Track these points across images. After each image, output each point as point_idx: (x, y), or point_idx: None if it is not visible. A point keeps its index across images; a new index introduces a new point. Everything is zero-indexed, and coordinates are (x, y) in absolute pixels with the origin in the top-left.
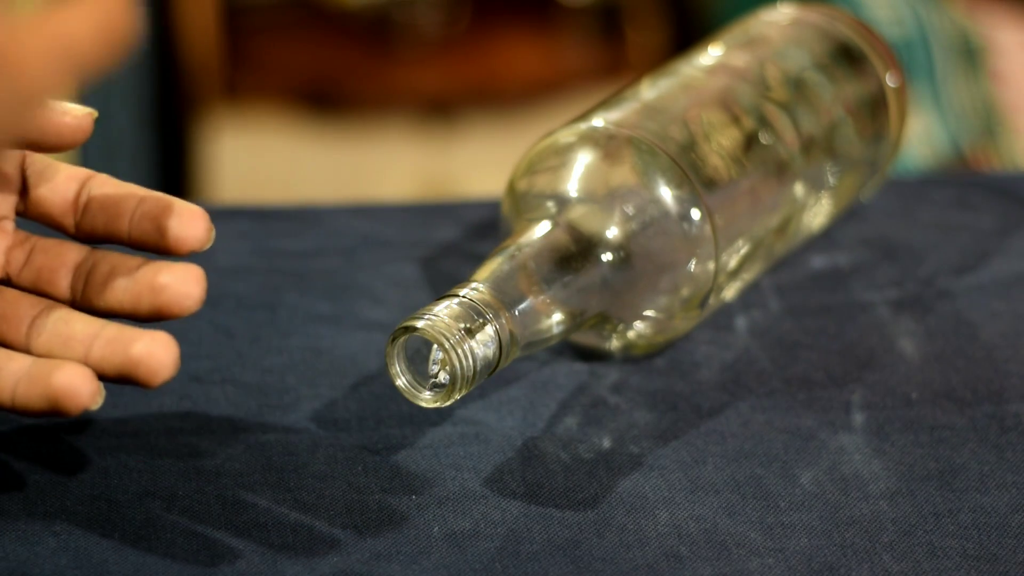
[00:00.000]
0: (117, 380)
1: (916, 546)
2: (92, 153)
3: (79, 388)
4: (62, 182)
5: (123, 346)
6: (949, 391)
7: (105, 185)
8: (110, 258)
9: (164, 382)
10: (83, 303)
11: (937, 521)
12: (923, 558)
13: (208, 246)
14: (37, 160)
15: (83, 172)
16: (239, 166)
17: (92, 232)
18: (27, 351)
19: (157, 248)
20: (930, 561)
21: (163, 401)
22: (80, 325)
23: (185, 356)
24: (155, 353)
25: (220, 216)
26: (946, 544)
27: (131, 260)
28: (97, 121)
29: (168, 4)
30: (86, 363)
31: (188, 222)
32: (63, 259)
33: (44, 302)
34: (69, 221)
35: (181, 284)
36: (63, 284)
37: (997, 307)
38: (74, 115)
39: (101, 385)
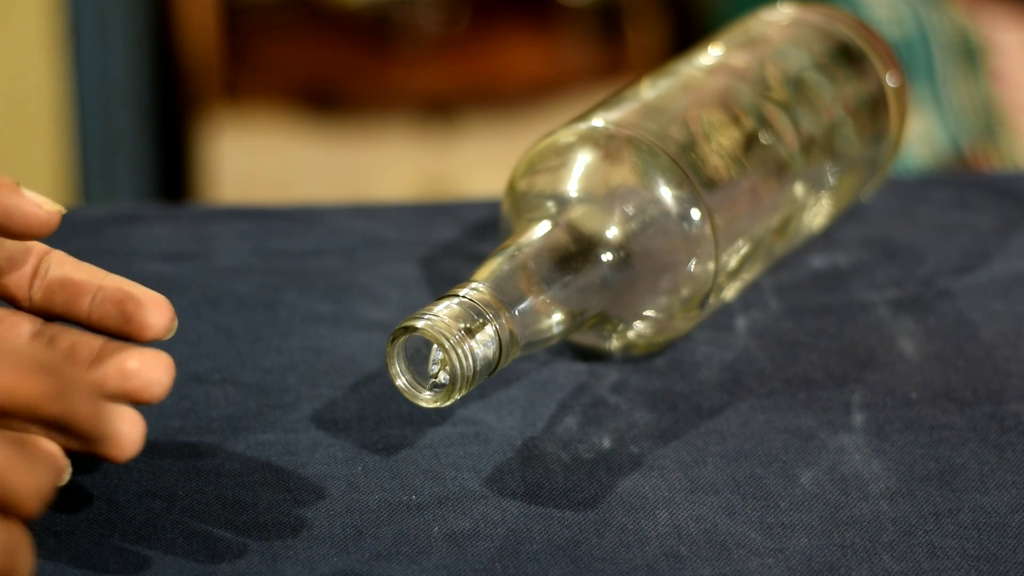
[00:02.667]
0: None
1: (916, 546)
2: (92, 153)
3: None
4: (19, 254)
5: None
6: (949, 391)
7: (64, 263)
8: (68, 334)
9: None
10: None
11: (937, 521)
12: (923, 558)
13: (171, 335)
14: None
15: (40, 246)
16: (239, 166)
17: (48, 309)
18: None
19: (118, 333)
20: (930, 561)
21: (163, 401)
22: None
23: (185, 356)
24: (125, 423)
25: (220, 216)
26: (946, 544)
27: (91, 338)
28: (97, 121)
29: (168, 4)
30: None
31: (154, 311)
32: (16, 330)
33: (38, 323)
34: (24, 295)
35: (151, 370)
36: None
37: (997, 307)
38: (47, 209)
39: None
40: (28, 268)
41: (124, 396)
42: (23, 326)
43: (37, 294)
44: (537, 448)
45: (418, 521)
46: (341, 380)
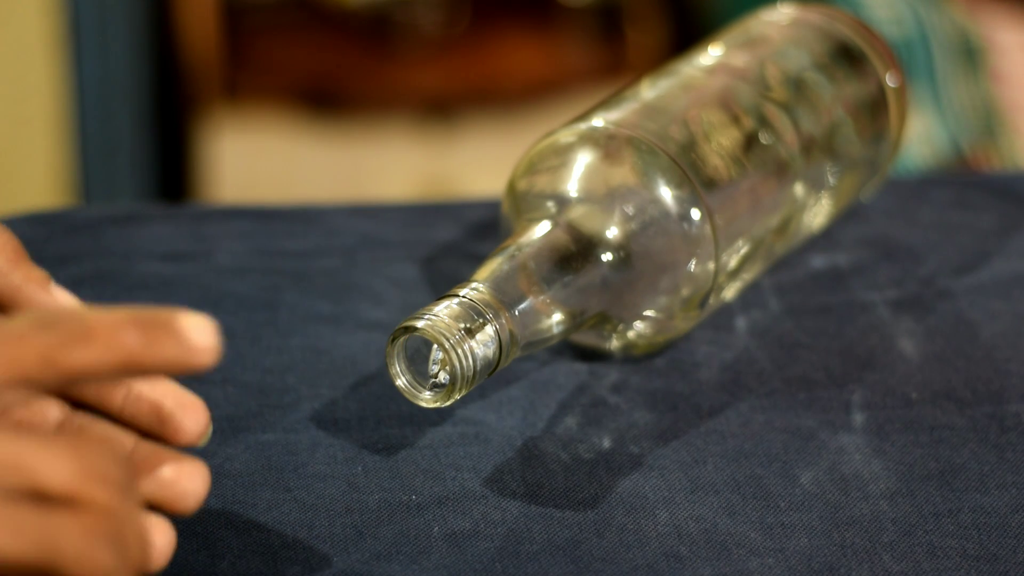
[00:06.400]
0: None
1: (916, 546)
2: (92, 153)
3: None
4: None
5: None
6: (949, 391)
7: None
8: (98, 427)
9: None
10: None
11: (937, 521)
12: (923, 558)
13: (205, 442)
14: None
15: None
16: (239, 166)
17: (79, 396)
18: None
19: (151, 433)
20: (930, 561)
21: None
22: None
23: None
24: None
25: (220, 216)
26: (946, 544)
27: (123, 435)
28: (97, 121)
29: (168, 4)
30: None
31: (190, 415)
32: (43, 416)
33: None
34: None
35: (187, 481)
36: None
37: (997, 307)
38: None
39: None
40: None
41: (155, 504)
42: (50, 411)
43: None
44: (537, 448)
45: (418, 521)
46: (341, 380)
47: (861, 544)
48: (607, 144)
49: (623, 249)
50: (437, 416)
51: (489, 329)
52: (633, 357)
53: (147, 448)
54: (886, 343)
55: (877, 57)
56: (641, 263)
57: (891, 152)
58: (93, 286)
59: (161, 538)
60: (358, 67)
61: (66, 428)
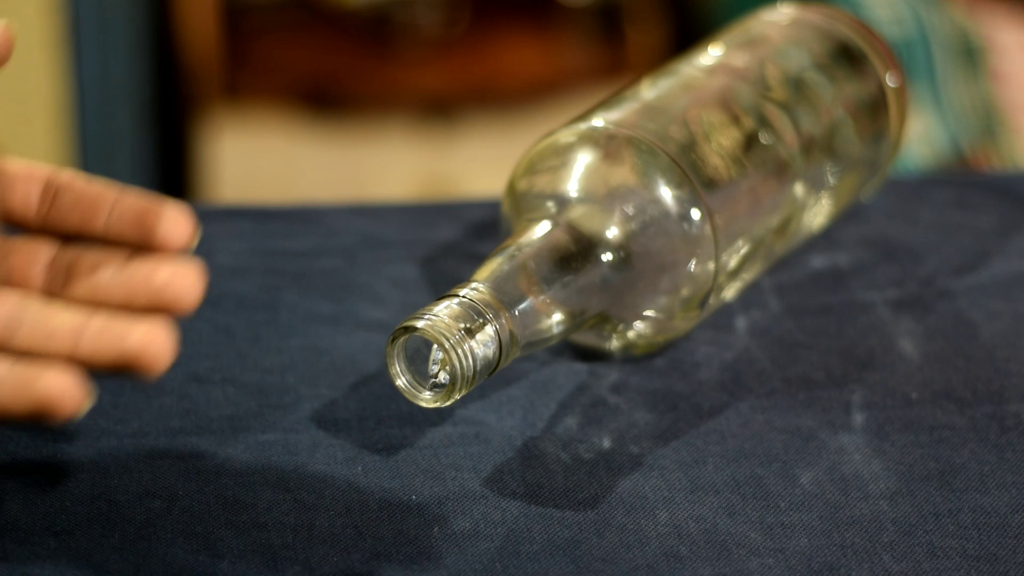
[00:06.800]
0: (111, 373)
1: (916, 546)
2: (92, 153)
3: (65, 396)
4: (21, 179)
5: (117, 338)
6: (949, 391)
7: (75, 181)
8: (89, 256)
9: (162, 372)
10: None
11: (937, 521)
12: (923, 558)
13: (193, 245)
14: None
15: (44, 168)
16: (239, 166)
17: (63, 230)
18: (3, 349)
19: (139, 247)
20: (930, 561)
21: (163, 401)
22: (63, 317)
23: (185, 356)
24: (153, 344)
25: (220, 216)
26: (946, 544)
27: (115, 255)
28: (97, 121)
29: (168, 4)
30: (74, 358)
31: (173, 222)
32: (34, 256)
33: (17, 293)
34: (31, 217)
35: (182, 281)
36: (36, 283)
37: (997, 307)
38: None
39: (91, 386)
40: (34, 192)
41: (157, 310)
42: (40, 254)
43: (50, 216)
44: (537, 448)
45: (418, 521)
46: (341, 380)
47: (861, 544)
48: (607, 144)
49: (623, 249)
50: (437, 416)
51: (489, 329)
52: (633, 357)
53: (139, 261)
54: (886, 343)
55: (877, 57)
56: (641, 263)
57: (891, 152)
58: None
59: (162, 339)
60: (358, 67)
61: (57, 264)
